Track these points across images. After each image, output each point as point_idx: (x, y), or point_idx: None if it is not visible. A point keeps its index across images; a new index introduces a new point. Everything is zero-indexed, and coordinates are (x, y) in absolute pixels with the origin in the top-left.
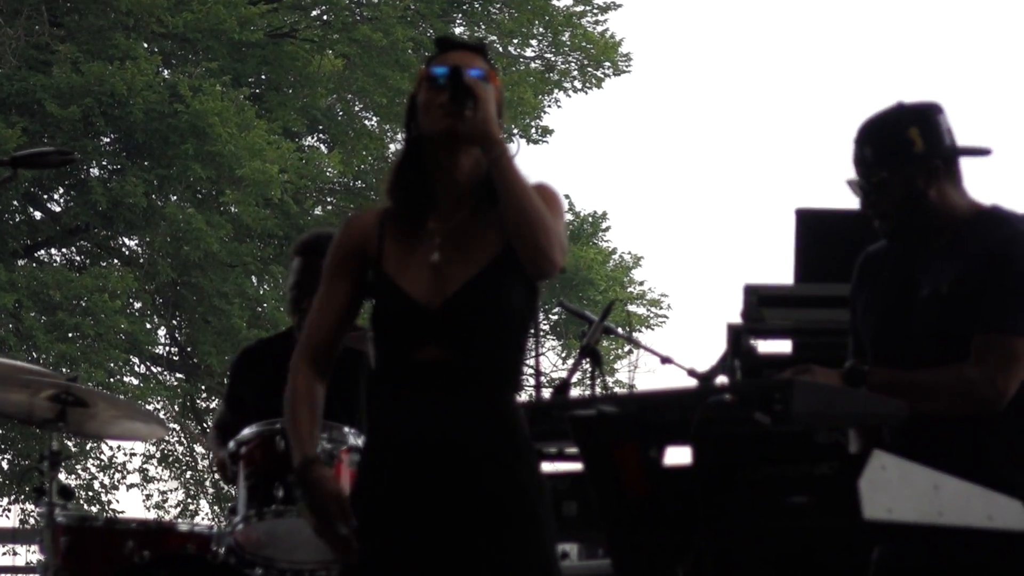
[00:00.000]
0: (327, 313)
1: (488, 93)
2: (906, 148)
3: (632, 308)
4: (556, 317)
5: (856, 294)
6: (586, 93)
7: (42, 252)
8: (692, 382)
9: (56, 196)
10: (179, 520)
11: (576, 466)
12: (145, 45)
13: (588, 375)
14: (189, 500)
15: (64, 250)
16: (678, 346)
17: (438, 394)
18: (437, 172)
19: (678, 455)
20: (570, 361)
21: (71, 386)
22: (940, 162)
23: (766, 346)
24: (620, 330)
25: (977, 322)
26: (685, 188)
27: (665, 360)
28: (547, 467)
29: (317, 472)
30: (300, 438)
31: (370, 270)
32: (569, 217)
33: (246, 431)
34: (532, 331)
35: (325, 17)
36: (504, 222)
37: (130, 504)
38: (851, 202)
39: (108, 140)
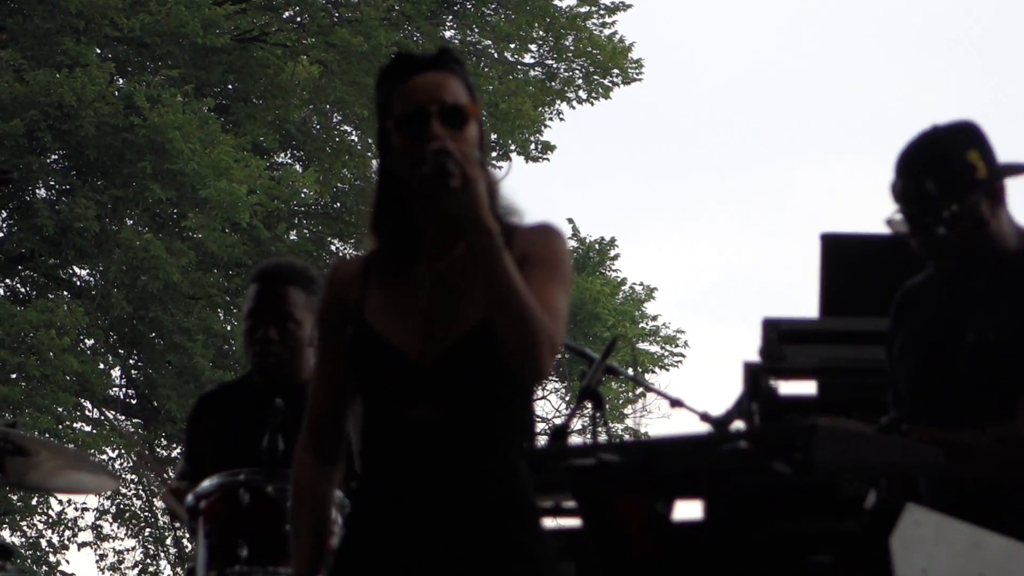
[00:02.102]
0: (326, 388)
1: (478, 172)
2: (970, 175)
3: (644, 346)
4: (558, 356)
5: (893, 335)
6: (592, 104)
7: None
8: (705, 428)
9: None
10: None
11: (574, 522)
12: (97, 51)
13: (590, 420)
14: (148, 560)
15: (6, 280)
16: (695, 388)
17: (433, 454)
18: (422, 209)
19: (688, 509)
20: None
21: (10, 432)
22: (1001, 185)
23: (788, 387)
24: (628, 370)
25: None
26: (703, 212)
27: (675, 403)
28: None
29: None
30: (299, 554)
31: (352, 326)
32: (573, 244)
33: (206, 483)
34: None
35: (299, 19)
36: (488, 312)
37: (82, 565)
38: (881, 226)
39: (56, 157)
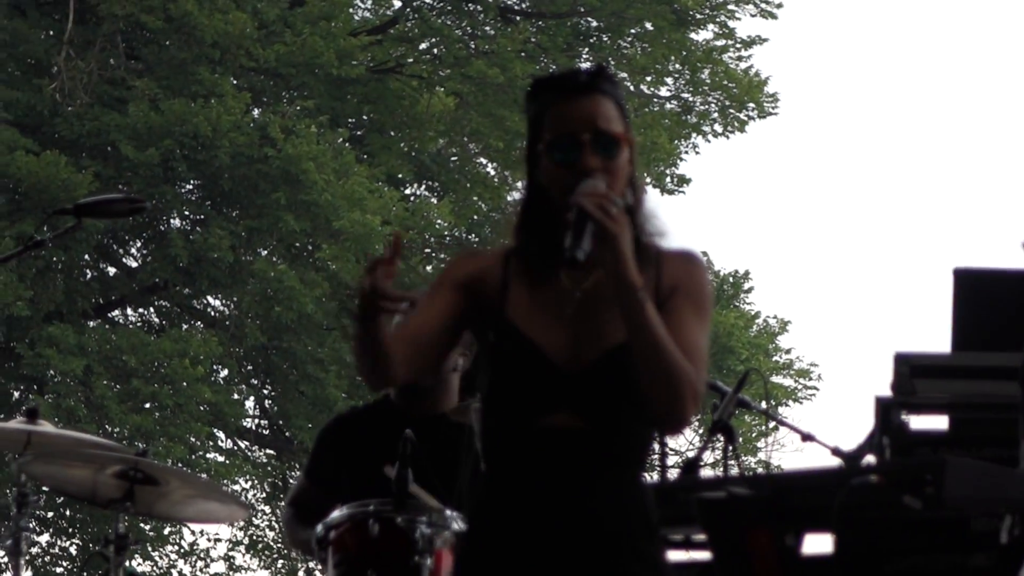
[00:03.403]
0: (432, 315)
1: (621, 225)
2: None
3: (777, 379)
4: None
5: None
6: (727, 138)
7: (116, 312)
8: (836, 462)
9: (132, 250)
10: None
11: (704, 555)
12: (233, 81)
13: (722, 453)
14: None
15: (140, 310)
16: (828, 422)
17: (567, 463)
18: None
19: (818, 543)
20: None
21: (140, 461)
22: None
23: (919, 422)
24: (762, 404)
25: None
26: (836, 245)
27: (807, 437)
28: (672, 556)
29: None
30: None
31: (489, 320)
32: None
33: (335, 514)
34: None
35: (435, 51)
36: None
37: None
38: (1016, 261)
39: (190, 187)
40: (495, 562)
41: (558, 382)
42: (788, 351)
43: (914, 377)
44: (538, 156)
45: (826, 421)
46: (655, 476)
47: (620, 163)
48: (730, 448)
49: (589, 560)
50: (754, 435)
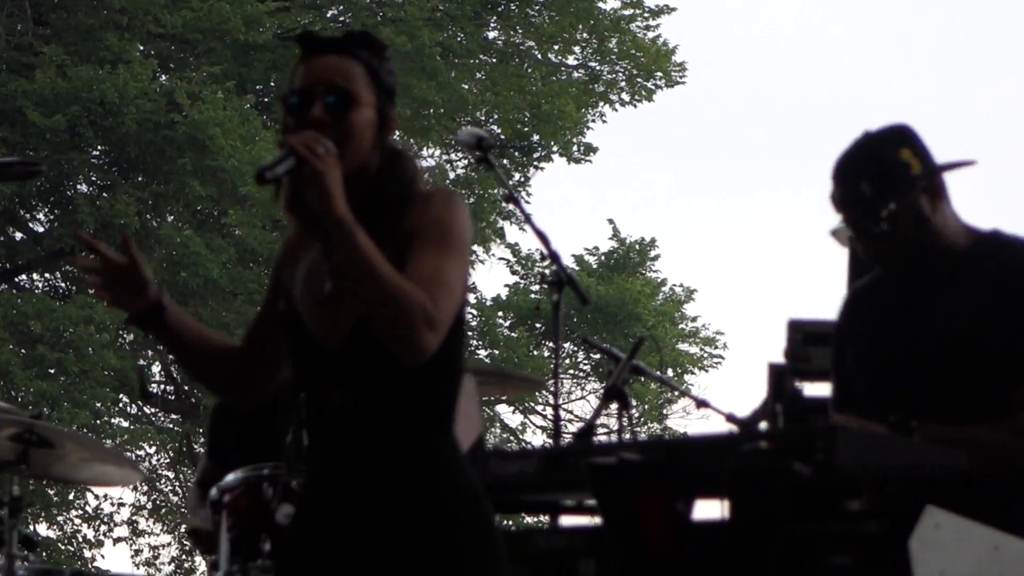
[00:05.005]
0: (252, 325)
1: (326, 164)
2: (905, 172)
3: (683, 347)
4: (599, 356)
5: (845, 335)
6: (635, 106)
7: (22, 277)
8: (730, 428)
9: (39, 215)
10: None
11: (595, 520)
12: (140, 47)
13: (616, 420)
14: (184, 556)
15: (46, 275)
16: (735, 390)
17: (346, 441)
18: None
19: (708, 509)
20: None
21: (35, 424)
22: (940, 181)
23: (813, 389)
24: (658, 371)
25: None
26: (744, 213)
27: (701, 404)
28: (564, 521)
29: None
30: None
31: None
32: (614, 244)
33: (230, 477)
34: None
35: (343, 18)
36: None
37: (118, 560)
38: None
39: (97, 153)
40: (300, 544)
41: (324, 359)
42: (694, 319)
43: (808, 344)
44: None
45: (732, 389)
46: (549, 441)
47: (354, 121)
48: (623, 415)
49: (369, 542)
50: (660, 403)
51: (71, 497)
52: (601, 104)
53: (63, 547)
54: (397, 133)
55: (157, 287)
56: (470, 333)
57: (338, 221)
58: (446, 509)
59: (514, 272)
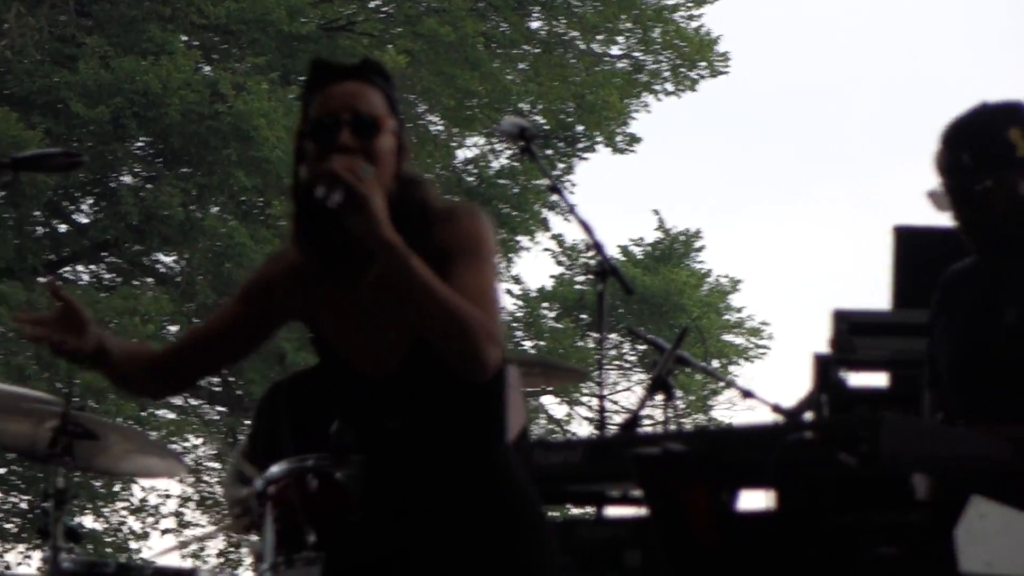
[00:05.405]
0: (205, 327)
1: (371, 187)
2: (1008, 152)
3: (729, 338)
4: (645, 347)
5: (936, 317)
6: (678, 96)
7: (67, 269)
8: (776, 419)
9: (83, 207)
10: (200, 568)
11: (640, 511)
12: (183, 38)
13: (662, 410)
14: (230, 548)
15: (91, 267)
16: (781, 380)
17: (400, 461)
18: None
19: (753, 499)
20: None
21: (78, 415)
22: None
23: (859, 379)
24: (704, 362)
25: None
26: (789, 203)
27: (747, 394)
28: (609, 511)
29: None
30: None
31: (306, 326)
32: (659, 235)
33: (275, 468)
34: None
35: (386, 8)
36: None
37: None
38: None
39: (141, 144)
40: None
41: (371, 389)
42: (739, 310)
43: (853, 334)
44: (303, 150)
45: (778, 380)
46: (594, 432)
47: (380, 146)
48: (668, 405)
49: (434, 554)
50: (705, 393)
51: (116, 489)
52: (645, 94)
53: (108, 539)
54: (441, 123)
55: (94, 326)
56: (515, 324)
57: (390, 247)
58: (507, 518)
59: (559, 263)
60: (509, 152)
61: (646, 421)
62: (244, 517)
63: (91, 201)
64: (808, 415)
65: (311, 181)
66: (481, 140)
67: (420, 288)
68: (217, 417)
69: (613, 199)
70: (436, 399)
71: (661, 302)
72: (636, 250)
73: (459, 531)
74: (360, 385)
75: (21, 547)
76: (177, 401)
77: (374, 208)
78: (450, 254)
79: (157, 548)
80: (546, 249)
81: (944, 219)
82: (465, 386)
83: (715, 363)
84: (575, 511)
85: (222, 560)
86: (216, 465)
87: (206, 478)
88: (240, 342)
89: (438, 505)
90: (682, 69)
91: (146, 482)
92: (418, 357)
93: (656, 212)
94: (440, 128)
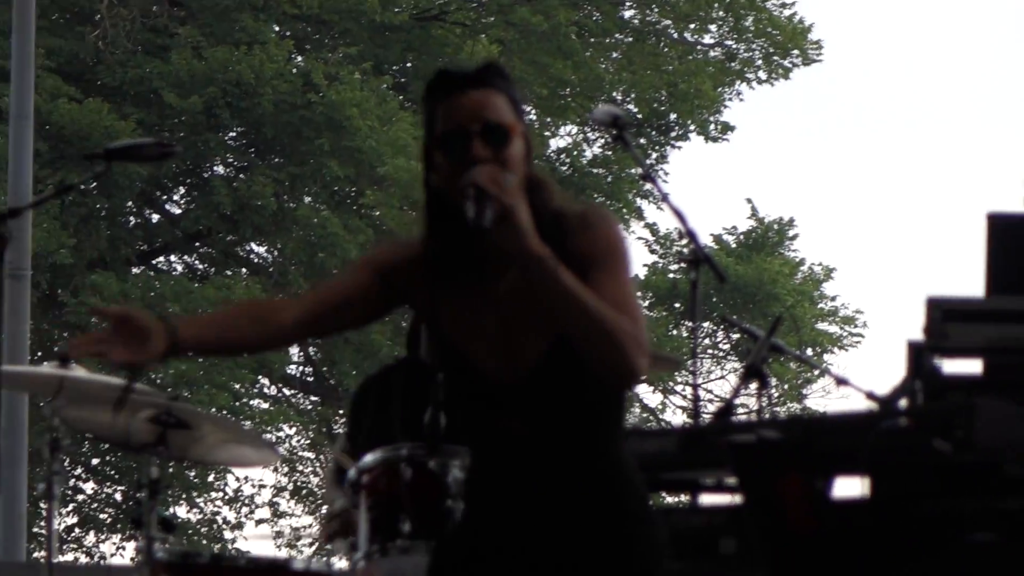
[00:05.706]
0: (338, 288)
1: (516, 198)
2: None
3: (823, 326)
4: (738, 335)
5: None
6: (772, 85)
7: (159, 259)
8: (869, 406)
9: (176, 197)
10: (295, 557)
11: (735, 499)
12: (276, 28)
13: (756, 398)
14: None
15: (184, 257)
16: (874, 368)
17: (526, 466)
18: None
19: (848, 486)
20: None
21: (172, 405)
22: None
23: (952, 366)
24: (796, 350)
25: None
26: (882, 191)
27: (841, 382)
28: (704, 499)
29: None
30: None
31: (424, 324)
32: (752, 224)
33: (368, 458)
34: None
35: None
36: (563, 333)
37: (258, 542)
38: None
39: (234, 134)
40: (471, 556)
41: (500, 394)
42: (833, 298)
43: (947, 321)
44: (432, 159)
45: (872, 368)
46: (688, 420)
47: (512, 153)
48: (762, 393)
49: (558, 556)
50: (799, 382)
51: (210, 479)
52: (738, 82)
53: (203, 530)
54: (534, 112)
55: (157, 320)
56: None
57: (538, 258)
58: (627, 517)
59: (652, 251)
60: (602, 141)
61: (740, 409)
62: (339, 532)
63: (183, 191)
64: (902, 402)
65: (455, 197)
66: (574, 129)
67: (570, 299)
68: (310, 407)
69: (706, 188)
70: (566, 407)
71: (754, 291)
72: (729, 239)
73: (581, 531)
74: (487, 390)
75: (115, 537)
76: (270, 391)
77: (521, 219)
78: (592, 261)
79: (252, 538)
80: (639, 238)
81: None
82: (596, 393)
83: (809, 351)
84: (669, 499)
85: (316, 548)
86: (310, 455)
87: (300, 467)
88: (359, 312)
89: (560, 505)
90: (775, 57)
91: (240, 472)
92: (550, 365)
93: (749, 200)
94: (533, 117)
